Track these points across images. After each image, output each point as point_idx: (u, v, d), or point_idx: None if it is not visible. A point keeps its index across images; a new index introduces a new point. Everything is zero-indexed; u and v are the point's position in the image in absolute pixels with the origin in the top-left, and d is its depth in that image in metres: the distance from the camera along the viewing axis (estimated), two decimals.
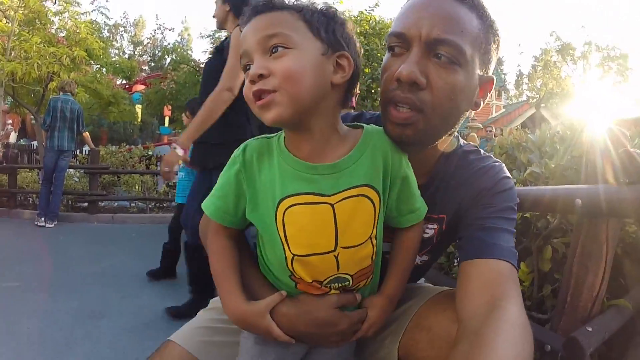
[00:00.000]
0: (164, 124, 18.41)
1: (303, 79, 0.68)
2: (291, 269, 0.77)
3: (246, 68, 0.72)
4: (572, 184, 1.34)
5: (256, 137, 0.81)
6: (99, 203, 6.55)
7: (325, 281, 0.78)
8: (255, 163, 0.77)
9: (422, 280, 1.20)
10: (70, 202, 6.68)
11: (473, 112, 0.93)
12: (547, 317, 1.39)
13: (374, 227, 0.77)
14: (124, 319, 2.56)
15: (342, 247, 0.75)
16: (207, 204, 0.82)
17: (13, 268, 3.49)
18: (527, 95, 21.36)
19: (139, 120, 18.16)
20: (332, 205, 0.73)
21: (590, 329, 1.06)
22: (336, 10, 0.76)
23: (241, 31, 0.74)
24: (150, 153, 10.04)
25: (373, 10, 8.96)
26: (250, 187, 0.77)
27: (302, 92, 0.69)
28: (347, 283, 0.79)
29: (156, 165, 8.87)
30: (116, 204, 7.04)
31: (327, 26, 0.72)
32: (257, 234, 0.84)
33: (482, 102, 0.86)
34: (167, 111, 15.41)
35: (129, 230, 5.60)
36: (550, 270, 1.42)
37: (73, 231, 5.31)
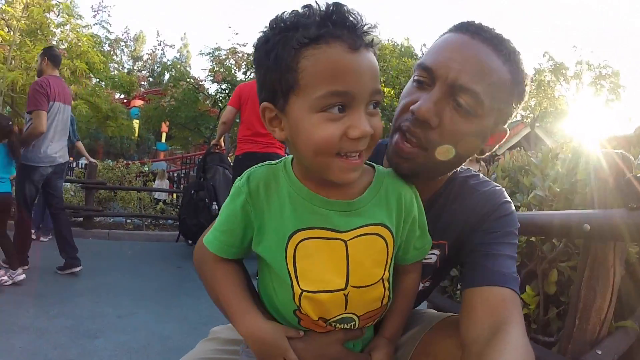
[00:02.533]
0: (160, 140, 18.44)
1: None
2: (298, 304, 0.73)
3: (332, 108, 0.62)
4: (577, 208, 1.36)
5: (260, 165, 0.77)
6: (95, 218, 6.48)
7: (331, 319, 0.75)
8: (262, 193, 0.73)
9: (424, 305, 1.20)
10: None
11: None
12: (554, 340, 1.39)
13: (385, 269, 0.75)
14: (119, 339, 2.51)
15: (352, 287, 0.72)
16: (209, 240, 0.78)
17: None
18: (521, 115, 21.69)
19: (136, 135, 18.19)
20: (345, 242, 0.71)
21: (600, 352, 1.07)
22: None
23: (314, 39, 0.60)
24: (146, 169, 10.02)
25: None
26: (258, 218, 0.73)
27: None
28: (352, 324, 0.77)
29: (153, 182, 8.84)
30: (112, 219, 6.97)
31: None
32: (259, 266, 0.82)
33: (488, 150, 0.87)
34: (164, 127, 15.44)
35: (124, 246, 5.53)
36: (555, 293, 1.42)
37: None
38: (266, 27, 0.65)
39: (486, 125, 0.80)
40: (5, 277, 3.34)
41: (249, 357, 0.83)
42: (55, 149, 3.72)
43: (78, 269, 3.83)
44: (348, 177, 0.66)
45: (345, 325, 0.77)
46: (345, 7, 0.62)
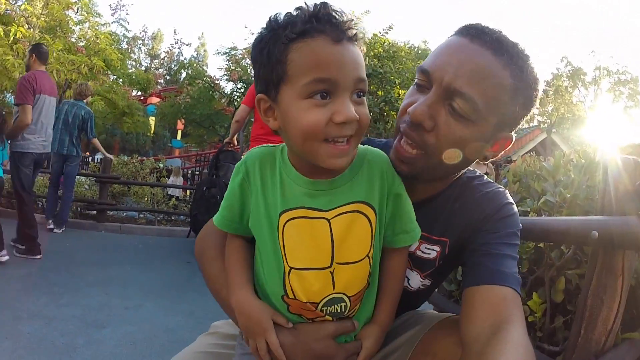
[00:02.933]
0: (176, 137, 18.68)
1: None
2: (287, 286, 0.76)
3: (316, 95, 0.65)
4: (588, 214, 1.33)
5: (260, 146, 0.82)
6: (108, 212, 6.58)
7: (321, 303, 0.77)
8: (257, 173, 0.79)
9: (429, 307, 1.19)
10: (79, 209, 6.73)
11: None
12: (559, 350, 1.36)
13: (371, 246, 0.77)
14: (126, 330, 2.54)
15: (337, 263, 0.75)
16: (216, 216, 0.85)
17: (17, 270, 3.51)
18: (538, 120, 21.38)
19: (152, 132, 18.45)
20: (328, 220, 0.74)
21: None
22: None
23: (300, 33, 0.65)
24: (161, 165, 10.13)
25: (387, 32, 9.08)
26: (254, 196, 0.79)
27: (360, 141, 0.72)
28: (343, 304, 0.78)
29: (166, 178, 8.93)
30: (125, 214, 7.07)
31: None
32: (256, 251, 0.84)
33: (492, 156, 0.87)
34: (180, 125, 15.61)
35: (135, 240, 5.61)
36: (562, 301, 1.39)
37: (80, 238, 5.33)
38: (262, 27, 0.70)
39: (485, 130, 0.79)
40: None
41: (242, 349, 0.85)
42: (42, 137, 4.10)
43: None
44: (336, 162, 0.68)
45: (336, 307, 0.77)
46: (330, 6, 0.67)
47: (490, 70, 0.76)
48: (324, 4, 0.67)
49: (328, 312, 0.78)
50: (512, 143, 0.86)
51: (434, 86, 0.78)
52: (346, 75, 0.65)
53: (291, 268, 0.75)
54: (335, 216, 0.74)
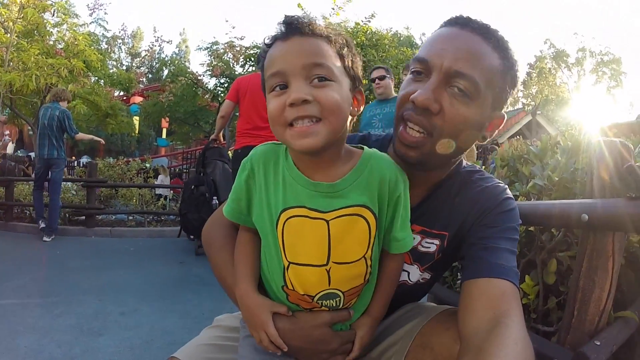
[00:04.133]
0: (161, 136, 18.46)
1: (342, 112, 0.74)
2: (286, 278, 0.80)
3: (275, 88, 0.74)
4: (576, 197, 1.35)
5: (266, 143, 0.85)
6: (97, 216, 6.50)
7: (317, 296, 0.80)
8: (261, 170, 0.82)
9: (425, 297, 1.21)
10: (67, 215, 6.63)
11: None
12: (554, 330, 1.39)
13: (368, 248, 0.79)
14: (123, 336, 2.53)
15: (334, 262, 0.78)
16: (225, 206, 0.89)
17: (10, 282, 3.45)
18: (522, 103, 21.58)
19: (137, 132, 18.18)
20: (327, 221, 0.77)
21: (598, 343, 1.06)
22: (352, 40, 0.80)
23: (266, 44, 0.77)
24: (147, 165, 10.01)
25: (369, 21, 9.07)
26: (258, 193, 0.82)
27: (339, 125, 0.73)
28: (338, 299, 0.81)
29: (154, 178, 8.84)
30: (114, 217, 6.99)
31: (352, 62, 0.77)
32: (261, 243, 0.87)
33: (489, 135, 0.91)
34: (164, 123, 15.41)
35: (126, 243, 5.56)
36: (555, 282, 1.42)
37: (70, 245, 5.27)
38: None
39: (484, 109, 0.83)
40: None
41: (246, 332, 0.88)
42: None
43: None
44: (302, 143, 0.72)
45: (332, 301, 0.81)
46: (289, 16, 0.76)
47: (483, 53, 0.82)
48: (286, 17, 0.76)
49: (323, 304, 0.81)
50: (505, 121, 0.90)
51: (434, 72, 0.82)
52: (292, 64, 0.72)
53: (290, 263, 0.79)
54: (334, 218, 0.77)
